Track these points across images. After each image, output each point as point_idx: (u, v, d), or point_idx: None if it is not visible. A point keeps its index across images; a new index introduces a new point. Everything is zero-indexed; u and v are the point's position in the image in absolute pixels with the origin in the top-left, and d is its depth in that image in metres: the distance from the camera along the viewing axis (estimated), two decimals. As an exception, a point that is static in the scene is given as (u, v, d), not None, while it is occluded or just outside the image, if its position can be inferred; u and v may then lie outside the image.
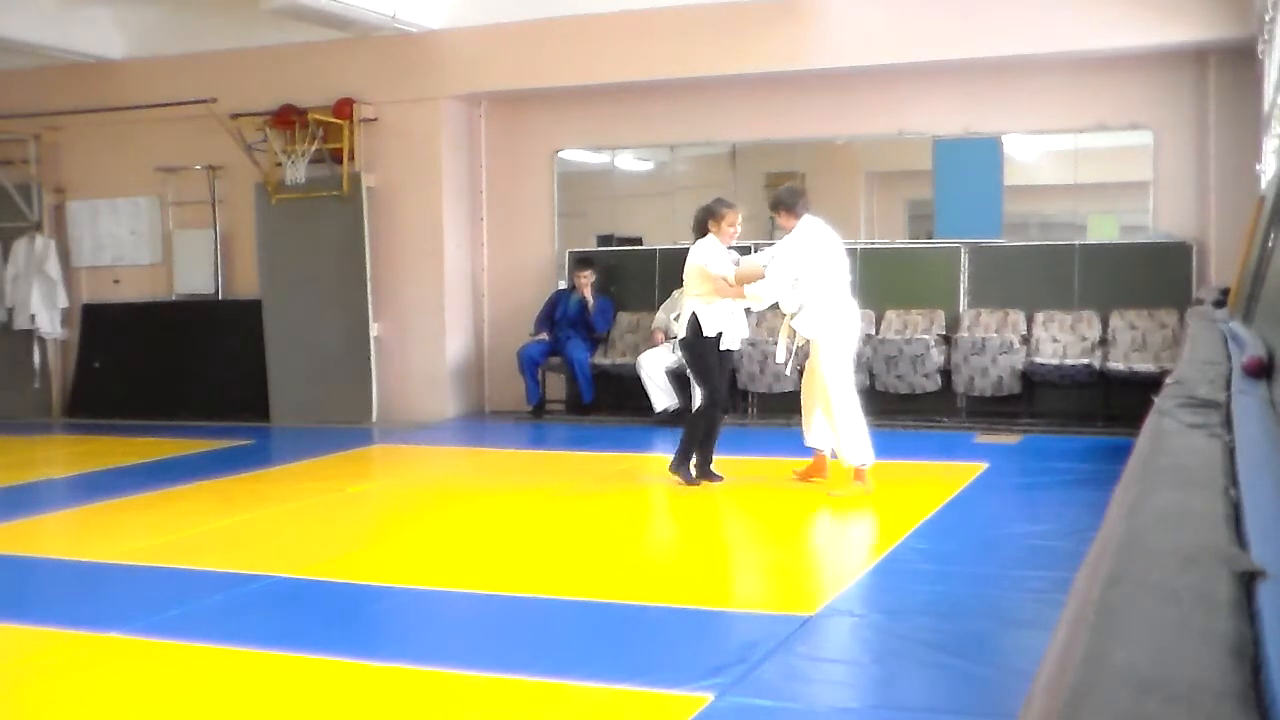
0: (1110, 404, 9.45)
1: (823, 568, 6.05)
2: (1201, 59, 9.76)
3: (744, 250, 7.97)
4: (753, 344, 10.03)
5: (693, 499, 7.36)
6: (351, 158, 11.46)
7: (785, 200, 7.36)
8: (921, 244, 10.90)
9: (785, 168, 11.48)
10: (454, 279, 11.58)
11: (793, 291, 7.23)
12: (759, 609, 5.01)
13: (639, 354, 10.56)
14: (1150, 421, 2.43)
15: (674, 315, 10.34)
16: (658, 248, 11.40)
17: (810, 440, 7.49)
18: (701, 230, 7.54)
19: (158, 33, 12.03)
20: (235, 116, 11.55)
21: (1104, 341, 9.76)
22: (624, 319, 11.28)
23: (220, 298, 12.33)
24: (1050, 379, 9.60)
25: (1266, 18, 7.77)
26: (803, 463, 7.63)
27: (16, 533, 6.94)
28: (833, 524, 6.88)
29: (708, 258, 7.44)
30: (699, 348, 7.46)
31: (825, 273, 7.22)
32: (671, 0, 10.46)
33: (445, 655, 4.32)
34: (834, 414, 7.17)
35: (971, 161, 10.50)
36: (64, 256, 12.74)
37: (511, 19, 10.96)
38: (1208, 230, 9.78)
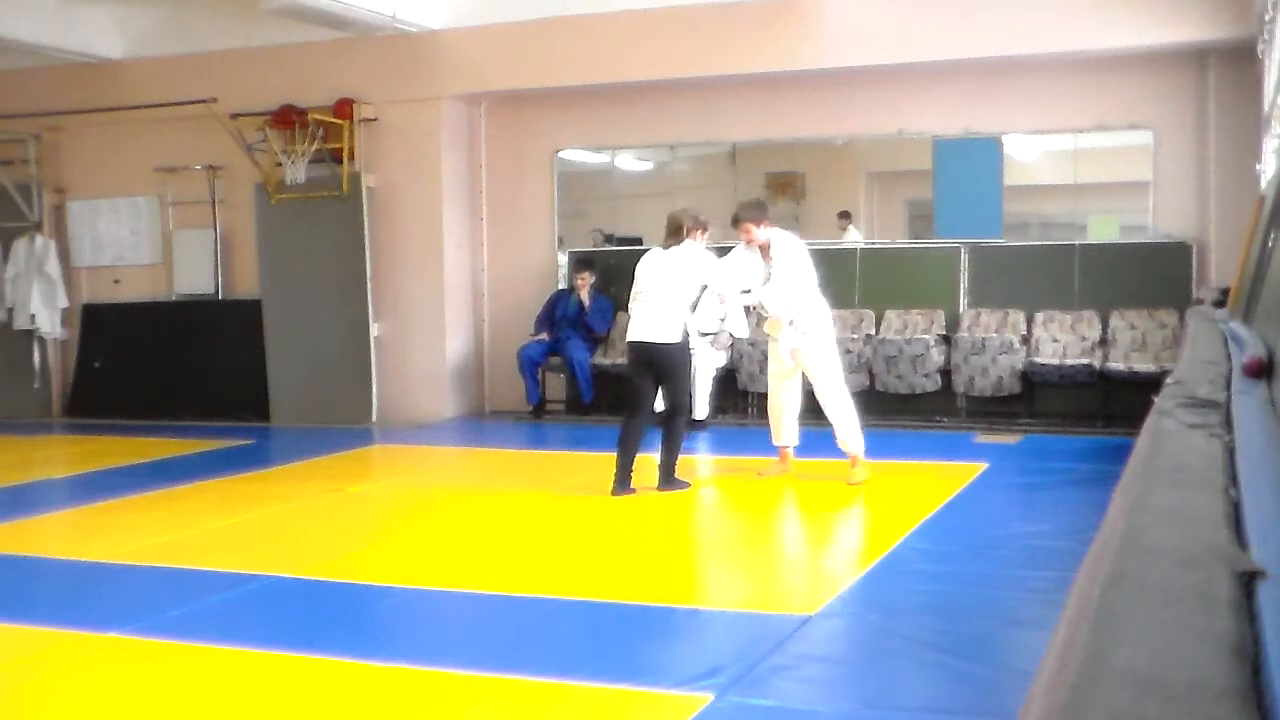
0: (1110, 404, 9.45)
1: (823, 568, 6.05)
2: (1201, 59, 9.76)
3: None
4: (752, 344, 10.03)
5: (692, 500, 7.35)
6: (351, 158, 11.46)
7: (759, 213, 7.57)
8: (921, 244, 10.90)
9: (785, 168, 11.49)
10: (454, 279, 11.58)
11: (793, 297, 7.49)
12: (759, 609, 5.01)
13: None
14: (1150, 421, 2.43)
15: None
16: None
17: (786, 439, 7.75)
18: (679, 235, 7.36)
19: (158, 33, 12.02)
20: (235, 116, 11.55)
21: (1104, 341, 9.76)
22: (624, 319, 11.24)
23: (220, 298, 12.32)
24: (1050, 379, 9.60)
25: (1266, 18, 7.76)
26: (768, 462, 7.82)
27: (16, 533, 6.95)
28: (833, 524, 6.88)
29: (718, 269, 7.47)
30: (688, 355, 7.43)
31: (811, 275, 7.59)
32: (672, 0, 10.46)
33: (445, 655, 4.32)
34: (836, 406, 7.49)
35: (971, 161, 10.49)
36: (64, 256, 12.73)
37: (512, 19, 10.96)
38: (1208, 230, 9.78)
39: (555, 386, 11.33)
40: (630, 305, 7.50)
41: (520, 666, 4.08)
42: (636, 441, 7.31)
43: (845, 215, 11.28)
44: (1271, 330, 3.61)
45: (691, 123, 11.21)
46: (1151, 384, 4.61)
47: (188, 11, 11.81)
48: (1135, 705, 0.87)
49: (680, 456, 7.44)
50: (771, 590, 5.57)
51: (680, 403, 7.42)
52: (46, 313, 12.54)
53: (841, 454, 7.52)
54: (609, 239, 12.01)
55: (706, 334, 10.15)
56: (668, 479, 7.36)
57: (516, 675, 4.01)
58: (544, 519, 6.92)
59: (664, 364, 7.31)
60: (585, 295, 11.07)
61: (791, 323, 7.48)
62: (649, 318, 7.27)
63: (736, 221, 7.53)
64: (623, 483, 7.25)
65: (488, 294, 11.90)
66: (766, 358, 10.09)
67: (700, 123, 11.18)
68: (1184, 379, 3.05)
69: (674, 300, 7.26)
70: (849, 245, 10.94)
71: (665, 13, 10.49)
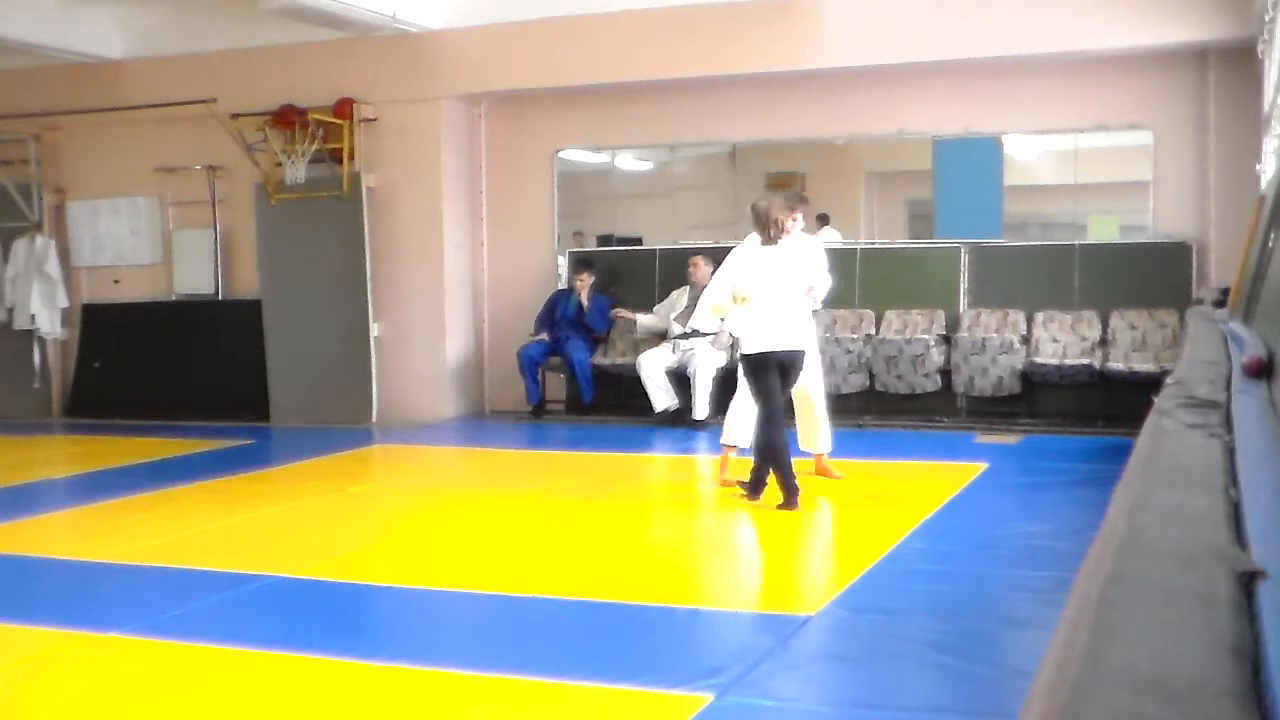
0: (1110, 404, 9.44)
1: (823, 568, 6.05)
2: (1201, 59, 9.76)
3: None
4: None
5: (692, 500, 7.36)
6: (351, 158, 11.46)
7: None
8: (921, 244, 10.89)
9: (785, 168, 11.48)
10: (454, 279, 11.58)
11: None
12: (759, 609, 5.01)
13: (639, 354, 10.56)
14: (1150, 421, 2.43)
15: (675, 315, 10.34)
16: (658, 248, 11.40)
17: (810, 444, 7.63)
18: (778, 229, 6.88)
19: (158, 33, 12.02)
20: (235, 116, 11.55)
21: (1104, 341, 9.75)
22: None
23: (220, 298, 12.32)
24: (1050, 379, 9.60)
25: (1266, 18, 7.76)
26: (807, 464, 7.58)
27: (16, 533, 6.95)
28: (833, 524, 6.88)
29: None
30: None
31: None
32: (671, 0, 10.46)
33: (445, 655, 4.32)
34: (824, 405, 7.56)
35: (971, 161, 10.49)
36: (64, 256, 12.73)
37: (511, 19, 10.96)
38: (1208, 230, 9.78)
39: (555, 386, 11.33)
40: (713, 303, 7.08)
41: (520, 666, 4.08)
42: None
43: (823, 218, 11.06)
44: (1271, 330, 3.61)
45: (691, 123, 11.21)
46: (1151, 384, 4.61)
47: (188, 11, 11.81)
48: (1135, 705, 0.87)
49: (678, 457, 7.44)
50: (771, 590, 5.57)
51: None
52: (46, 313, 12.54)
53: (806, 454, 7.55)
54: (604, 240, 12.01)
55: (706, 334, 10.18)
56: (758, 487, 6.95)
57: (516, 675, 4.01)
58: (544, 519, 6.92)
59: (797, 371, 6.97)
60: (584, 297, 11.06)
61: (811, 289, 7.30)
62: (792, 323, 6.83)
63: (793, 209, 7.15)
64: (795, 490, 6.77)
65: (488, 294, 11.90)
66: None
67: (700, 123, 11.18)
68: (1184, 379, 3.05)
69: (801, 302, 6.94)
70: (849, 245, 10.92)
71: (665, 13, 10.49)
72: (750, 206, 7.08)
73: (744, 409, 7.40)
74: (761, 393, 6.80)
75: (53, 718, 3.92)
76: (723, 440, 7.57)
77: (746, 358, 6.86)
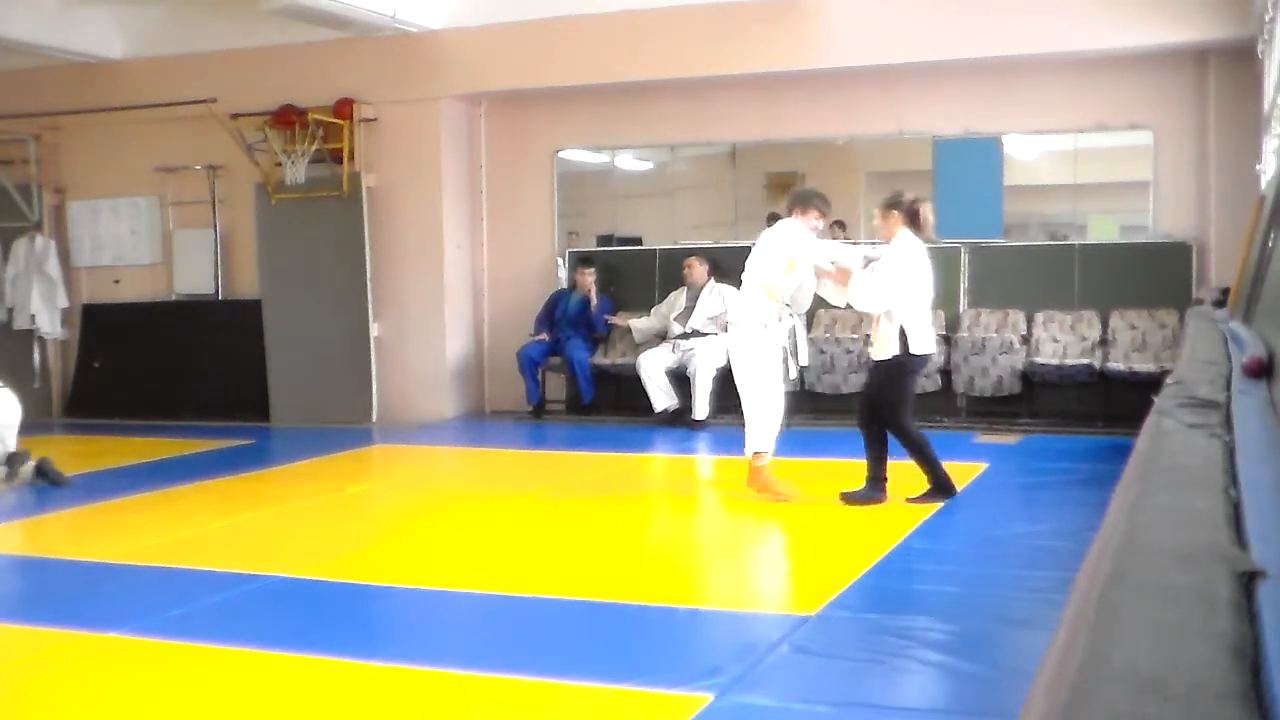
0: (1110, 404, 9.44)
1: (823, 568, 6.04)
2: (1201, 59, 9.76)
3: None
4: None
5: (691, 499, 7.35)
6: (351, 158, 11.46)
7: None
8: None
9: (785, 168, 11.49)
10: (454, 279, 11.58)
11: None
12: (759, 609, 5.01)
13: (639, 354, 10.56)
14: (1150, 421, 2.43)
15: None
16: (658, 248, 11.40)
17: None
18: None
19: (158, 33, 12.02)
20: (235, 116, 11.55)
21: (1104, 341, 9.75)
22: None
23: (220, 298, 12.32)
24: (1050, 379, 9.60)
25: (1266, 18, 7.76)
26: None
27: (16, 533, 6.94)
28: (833, 524, 6.88)
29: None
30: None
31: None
32: (672, 0, 10.46)
33: (445, 655, 4.32)
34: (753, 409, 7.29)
35: (971, 161, 10.49)
36: (64, 256, 12.73)
37: (511, 19, 10.96)
38: (1208, 230, 9.78)
39: (555, 386, 11.33)
40: (902, 305, 6.58)
41: (520, 666, 4.08)
42: None
43: (839, 225, 10.93)
44: (1271, 330, 3.61)
45: (691, 123, 11.21)
46: (1151, 384, 4.61)
47: (188, 11, 11.81)
48: (1135, 705, 0.87)
49: (678, 457, 7.41)
50: (771, 590, 5.58)
51: None
52: (46, 313, 12.54)
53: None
54: (603, 240, 12.01)
55: (706, 333, 10.18)
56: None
57: (516, 675, 4.01)
58: (544, 519, 6.92)
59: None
60: (591, 292, 11.04)
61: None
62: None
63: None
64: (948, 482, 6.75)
65: (488, 294, 11.90)
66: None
67: (700, 123, 11.18)
68: (1184, 379, 3.05)
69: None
70: (849, 245, 10.90)
71: (665, 13, 10.49)
72: (889, 203, 6.65)
73: (775, 411, 7.16)
74: (909, 394, 6.80)
75: (53, 718, 3.92)
76: (757, 448, 7.09)
77: (912, 358, 6.59)
